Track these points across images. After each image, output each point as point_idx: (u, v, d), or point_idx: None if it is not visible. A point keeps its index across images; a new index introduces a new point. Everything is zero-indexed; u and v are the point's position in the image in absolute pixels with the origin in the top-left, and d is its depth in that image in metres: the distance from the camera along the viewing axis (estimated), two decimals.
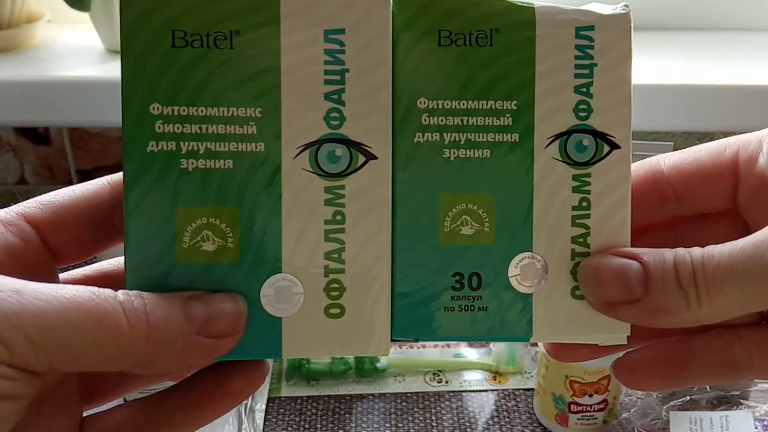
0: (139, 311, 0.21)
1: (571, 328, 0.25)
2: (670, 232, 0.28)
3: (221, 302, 0.23)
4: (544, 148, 0.25)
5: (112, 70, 0.68)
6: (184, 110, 0.23)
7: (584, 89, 0.25)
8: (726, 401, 0.53)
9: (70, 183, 0.76)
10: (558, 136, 0.25)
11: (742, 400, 0.53)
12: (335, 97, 0.24)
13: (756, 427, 0.50)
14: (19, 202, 0.25)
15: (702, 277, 0.23)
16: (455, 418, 0.54)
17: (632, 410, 0.53)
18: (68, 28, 0.78)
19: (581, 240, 0.25)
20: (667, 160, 0.27)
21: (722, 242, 0.23)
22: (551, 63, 0.25)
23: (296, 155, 0.24)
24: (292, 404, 0.54)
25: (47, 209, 0.24)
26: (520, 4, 0.25)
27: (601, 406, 0.51)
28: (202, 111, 0.23)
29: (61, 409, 0.24)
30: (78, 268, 0.27)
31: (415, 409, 0.54)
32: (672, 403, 0.53)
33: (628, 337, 0.25)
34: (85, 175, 0.76)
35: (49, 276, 0.25)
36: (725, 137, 0.27)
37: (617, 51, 0.25)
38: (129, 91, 0.23)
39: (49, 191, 0.25)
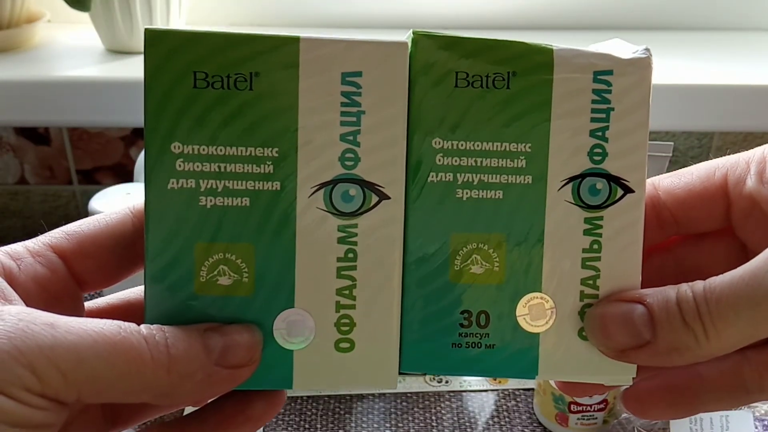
0: (161, 344, 0.22)
1: (577, 368, 0.26)
2: (670, 255, 0.28)
3: (238, 333, 0.24)
4: (557, 191, 0.25)
5: (112, 70, 0.68)
6: (204, 149, 0.24)
7: (600, 133, 0.25)
8: None
9: (70, 183, 0.76)
10: (571, 179, 0.25)
11: None
12: (351, 138, 0.24)
13: (756, 427, 0.50)
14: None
15: (706, 311, 0.23)
16: (455, 418, 0.54)
17: None
18: (68, 28, 0.78)
19: (591, 282, 0.25)
20: (662, 183, 0.27)
21: (722, 262, 0.23)
22: (567, 107, 0.25)
23: (311, 194, 0.24)
24: (292, 404, 0.54)
25: (73, 239, 0.25)
26: (539, 46, 0.25)
27: (601, 406, 0.51)
28: (221, 150, 0.24)
29: None
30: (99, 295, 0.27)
31: (415, 409, 0.54)
32: None
33: (633, 378, 0.26)
34: (85, 175, 0.76)
35: (75, 304, 0.25)
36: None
37: (635, 96, 0.25)
38: (151, 129, 0.24)
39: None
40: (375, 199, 0.24)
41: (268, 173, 0.24)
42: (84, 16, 0.70)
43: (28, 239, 0.25)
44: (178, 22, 0.72)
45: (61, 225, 0.26)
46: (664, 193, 0.27)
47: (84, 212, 0.72)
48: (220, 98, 0.24)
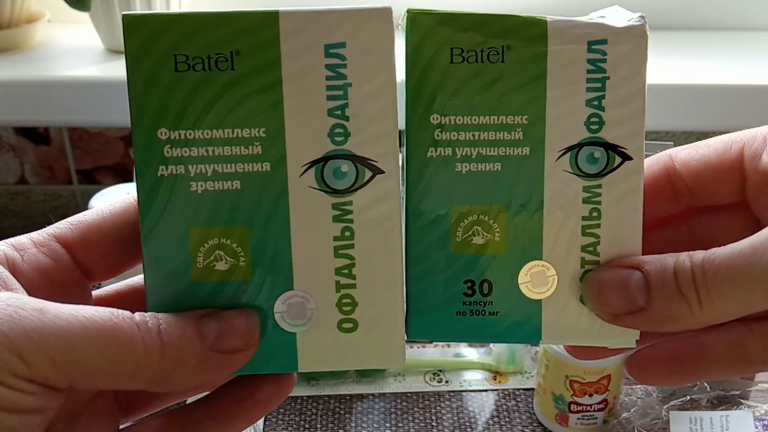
0: (153, 331, 0.22)
1: (580, 333, 0.26)
2: (684, 226, 0.28)
3: (233, 318, 0.23)
4: (555, 161, 0.25)
5: (112, 70, 0.68)
6: (190, 134, 0.23)
7: (596, 102, 0.25)
8: (726, 401, 0.53)
9: (70, 183, 0.76)
10: (569, 149, 0.25)
11: (742, 400, 0.53)
12: (338, 112, 0.24)
13: (756, 427, 0.50)
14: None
15: (702, 281, 0.23)
16: (455, 418, 0.54)
17: (632, 410, 0.53)
18: (68, 28, 0.78)
19: (591, 249, 0.25)
20: (679, 155, 0.27)
21: (736, 235, 0.23)
22: (563, 77, 0.25)
23: (302, 173, 0.24)
24: (292, 404, 0.54)
25: (77, 229, 0.25)
26: (532, 18, 0.25)
27: (601, 405, 0.51)
28: (207, 134, 0.23)
29: (96, 422, 0.25)
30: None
31: (415, 409, 0.54)
32: (672, 403, 0.53)
33: (636, 340, 0.26)
34: (85, 175, 0.76)
35: (81, 293, 0.25)
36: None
37: (630, 64, 0.25)
38: (137, 117, 0.23)
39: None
40: (368, 174, 0.24)
41: (257, 154, 0.24)
42: (84, 16, 0.70)
43: None
44: None
45: None
46: (680, 165, 0.27)
47: None
48: (202, 80, 0.23)
